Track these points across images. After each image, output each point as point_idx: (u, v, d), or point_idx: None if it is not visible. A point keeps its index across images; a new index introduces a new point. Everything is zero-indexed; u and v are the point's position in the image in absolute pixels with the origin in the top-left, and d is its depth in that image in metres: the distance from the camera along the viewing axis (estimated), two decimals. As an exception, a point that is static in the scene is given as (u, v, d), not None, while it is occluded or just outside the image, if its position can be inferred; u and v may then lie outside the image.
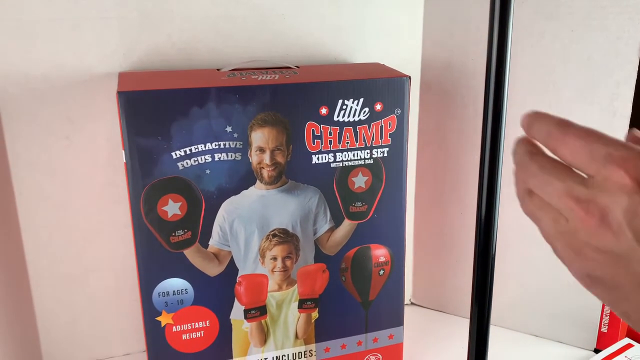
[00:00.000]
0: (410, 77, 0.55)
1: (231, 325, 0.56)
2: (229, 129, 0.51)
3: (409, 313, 0.65)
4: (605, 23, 0.57)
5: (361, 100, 0.54)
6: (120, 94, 0.48)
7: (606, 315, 0.67)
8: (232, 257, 0.54)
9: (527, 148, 0.33)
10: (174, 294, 0.53)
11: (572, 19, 0.58)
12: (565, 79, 0.60)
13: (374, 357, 0.62)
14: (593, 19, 0.57)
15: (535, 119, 0.32)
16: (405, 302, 0.63)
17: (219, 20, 0.60)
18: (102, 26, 0.57)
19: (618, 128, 0.59)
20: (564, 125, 0.31)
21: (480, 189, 0.46)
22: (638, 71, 0.57)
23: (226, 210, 0.53)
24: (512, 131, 0.65)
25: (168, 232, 0.51)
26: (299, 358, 0.59)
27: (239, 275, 0.55)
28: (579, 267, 0.32)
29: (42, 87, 0.57)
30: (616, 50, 0.57)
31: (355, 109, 0.54)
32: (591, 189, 0.30)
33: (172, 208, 0.51)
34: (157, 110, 0.49)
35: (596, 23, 0.57)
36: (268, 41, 0.63)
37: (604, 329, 0.66)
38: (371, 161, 0.56)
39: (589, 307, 0.66)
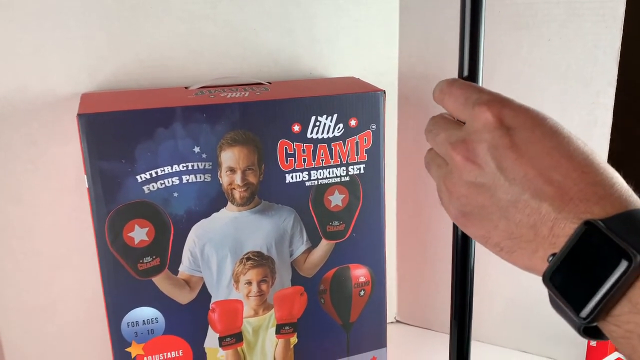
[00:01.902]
0: (384, 92, 0.54)
1: (205, 354, 0.53)
2: (197, 149, 0.49)
3: (394, 331, 0.63)
4: (582, 32, 0.56)
5: (335, 116, 0.52)
6: (81, 116, 0.46)
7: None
8: (204, 283, 0.52)
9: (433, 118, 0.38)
10: (143, 323, 0.51)
11: (549, 29, 0.57)
12: (544, 89, 0.58)
13: (357, 381, 0.59)
14: (570, 28, 0.56)
15: (437, 85, 0.38)
16: (390, 320, 0.61)
17: (188, 36, 0.59)
18: (66, 46, 0.55)
19: (599, 137, 0.58)
20: (451, 81, 0.37)
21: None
22: (617, 78, 0.56)
23: (196, 234, 0.50)
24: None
25: (135, 259, 0.49)
26: (278, 385, 0.57)
27: (212, 302, 0.52)
28: (454, 207, 0.35)
29: (4, 110, 0.55)
30: (594, 59, 0.56)
31: (329, 125, 0.53)
32: (464, 131, 0.34)
33: (139, 234, 0.49)
34: (120, 132, 0.47)
35: (573, 32, 0.56)
36: (239, 57, 0.61)
37: (593, 344, 0.65)
38: (347, 178, 0.54)
39: (577, 321, 0.64)
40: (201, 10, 0.58)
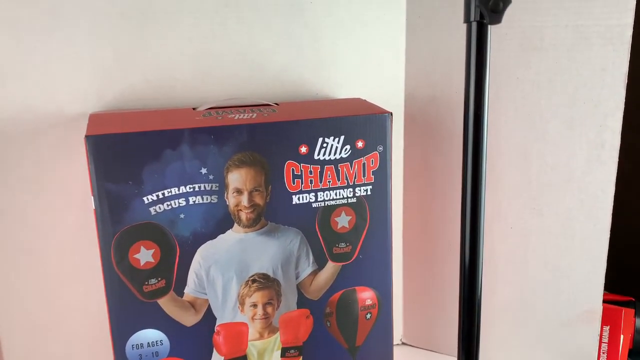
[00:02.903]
0: (391, 113, 0.54)
1: (210, 377, 0.53)
2: (204, 170, 0.49)
3: (400, 354, 0.62)
4: (589, 55, 0.56)
5: (342, 137, 0.52)
6: (88, 137, 0.46)
7: (603, 353, 0.64)
8: (209, 305, 0.51)
9: None
10: (148, 345, 0.50)
11: (557, 51, 0.57)
12: (551, 112, 0.58)
13: (363, 405, 0.59)
14: (577, 51, 0.56)
15: None
16: (396, 342, 0.60)
17: (197, 57, 0.59)
18: (74, 65, 0.55)
19: (608, 159, 0.58)
20: None
21: (462, 228, 0.44)
22: (625, 101, 0.56)
23: (202, 256, 0.50)
24: (498, 165, 0.64)
25: (141, 281, 0.49)
26: (283, 409, 0.56)
27: (217, 325, 0.52)
28: None
29: (11, 130, 0.55)
30: (602, 82, 0.56)
31: (336, 147, 0.52)
32: None
33: (145, 255, 0.48)
34: (127, 153, 0.47)
35: (581, 55, 0.56)
36: (247, 78, 0.61)
37: (603, 368, 0.64)
38: (354, 200, 0.54)
39: (585, 345, 0.63)
40: (210, 31, 0.59)
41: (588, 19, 0.55)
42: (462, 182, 0.43)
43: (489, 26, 0.34)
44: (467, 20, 0.34)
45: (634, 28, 0.54)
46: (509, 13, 0.53)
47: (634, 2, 0.53)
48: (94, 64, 0.55)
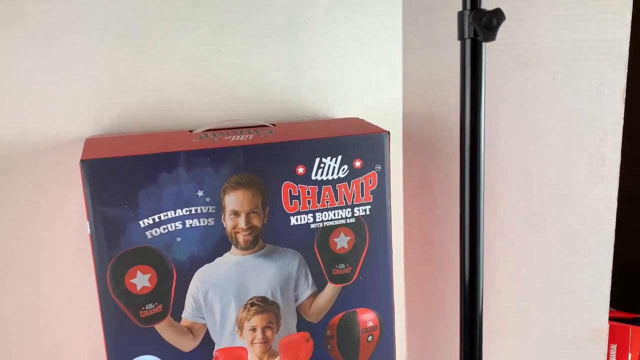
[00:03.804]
0: (388, 132, 0.54)
1: (209, 403, 0.52)
2: (200, 193, 0.48)
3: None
4: (587, 70, 0.55)
5: (339, 157, 0.52)
6: (84, 162, 0.46)
7: (612, 372, 0.63)
8: (207, 330, 0.51)
9: None
10: (145, 372, 0.49)
11: (554, 67, 0.56)
12: (550, 128, 0.58)
13: None
14: (574, 67, 0.56)
15: None
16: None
17: (194, 79, 0.59)
18: (71, 90, 0.55)
19: (608, 174, 0.57)
20: None
21: (462, 246, 0.44)
22: (624, 115, 0.55)
23: (199, 279, 0.49)
24: (499, 182, 0.63)
25: (137, 306, 0.48)
26: None
27: (215, 350, 0.51)
28: None
29: (9, 153, 0.55)
30: (600, 97, 0.55)
31: (334, 167, 0.52)
32: None
33: (141, 280, 0.48)
34: (123, 177, 0.46)
35: (578, 70, 0.56)
36: (244, 98, 0.61)
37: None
38: (353, 220, 0.53)
39: (593, 364, 0.62)
40: (207, 53, 0.59)
41: (584, 33, 0.55)
42: (460, 199, 0.42)
43: (484, 43, 0.34)
44: (461, 37, 0.34)
45: (630, 42, 0.53)
46: (505, 29, 0.52)
47: (630, 16, 0.53)
48: (91, 88, 0.55)
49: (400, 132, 0.67)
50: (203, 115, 0.60)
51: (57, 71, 0.54)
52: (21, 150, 0.55)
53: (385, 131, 0.54)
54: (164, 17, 0.57)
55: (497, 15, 0.32)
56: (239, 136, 0.52)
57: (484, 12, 0.32)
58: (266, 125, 0.57)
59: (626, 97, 0.54)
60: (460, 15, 0.34)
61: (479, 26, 0.32)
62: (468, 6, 0.33)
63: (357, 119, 0.62)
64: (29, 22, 0.53)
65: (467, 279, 0.43)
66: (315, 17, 0.62)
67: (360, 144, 0.52)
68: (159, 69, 0.57)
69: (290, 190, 0.51)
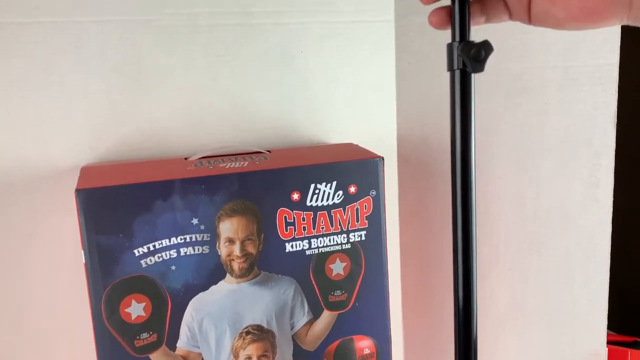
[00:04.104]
0: (383, 158, 0.54)
1: None
2: (195, 221, 0.48)
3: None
4: (579, 95, 0.56)
5: (334, 183, 0.52)
6: (79, 191, 0.46)
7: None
8: (202, 359, 0.50)
9: None
10: (140, 403, 0.49)
11: (546, 93, 0.57)
12: (543, 153, 0.58)
13: None
14: (567, 92, 0.56)
15: None
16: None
17: (189, 107, 0.59)
18: (67, 119, 0.55)
19: (603, 197, 0.57)
20: None
21: (455, 272, 0.44)
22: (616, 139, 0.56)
23: (194, 308, 0.49)
24: (494, 207, 0.63)
25: (132, 335, 0.48)
26: None
27: (210, 379, 0.51)
28: None
29: (3, 182, 0.55)
30: (593, 121, 0.56)
31: (329, 193, 0.52)
32: None
33: (136, 309, 0.47)
34: (118, 206, 0.46)
35: (570, 95, 0.56)
36: (239, 125, 0.61)
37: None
38: (348, 246, 0.53)
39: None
40: (202, 81, 0.59)
41: (575, 59, 0.56)
42: (452, 226, 0.42)
43: (473, 74, 0.34)
44: (450, 68, 0.34)
45: (619, 67, 0.54)
46: (496, 55, 0.53)
47: (619, 42, 0.54)
48: (87, 117, 0.56)
49: (395, 156, 0.68)
50: (199, 142, 0.60)
51: (53, 100, 0.55)
52: (16, 179, 0.55)
53: (379, 156, 0.54)
54: (159, 46, 0.57)
55: (485, 47, 0.33)
56: (234, 163, 0.52)
57: (472, 44, 0.33)
58: (261, 152, 0.57)
59: (617, 123, 0.55)
60: (450, 47, 0.34)
61: (468, 58, 0.33)
62: (457, 38, 0.34)
63: (351, 144, 0.62)
64: (26, 53, 0.53)
65: (461, 304, 0.43)
66: (309, 45, 0.62)
67: (355, 169, 0.53)
68: (154, 97, 0.58)
69: (285, 217, 0.51)
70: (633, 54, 0.57)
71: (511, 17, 0.38)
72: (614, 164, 0.56)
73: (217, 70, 0.60)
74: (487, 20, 0.38)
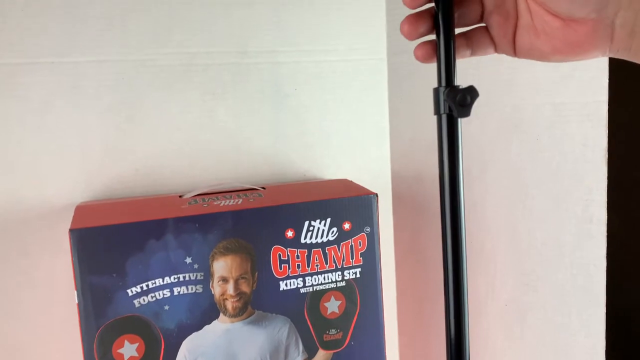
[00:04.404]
0: (377, 195, 0.54)
1: None
2: (188, 260, 0.48)
3: None
4: (569, 131, 0.57)
5: (328, 220, 0.52)
6: (73, 231, 0.46)
7: None
8: (195, 400, 0.49)
9: None
10: None
11: (537, 128, 0.58)
12: (536, 188, 0.59)
13: None
14: (557, 128, 0.57)
15: None
16: None
17: (185, 144, 0.60)
18: (63, 158, 0.56)
19: (597, 233, 0.57)
20: None
21: (447, 309, 0.43)
22: (607, 175, 0.56)
23: (188, 348, 0.49)
24: (488, 243, 0.63)
25: (124, 377, 0.47)
26: None
27: (203, 421, 0.50)
28: None
29: (-2, 222, 0.55)
30: (584, 157, 0.56)
31: (323, 230, 0.52)
32: None
33: (129, 350, 0.47)
34: (111, 246, 0.46)
35: (560, 131, 0.57)
36: (234, 162, 0.62)
37: None
38: (343, 283, 0.53)
39: None
40: (197, 119, 0.60)
41: (564, 96, 0.56)
42: (443, 266, 0.42)
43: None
44: (437, 112, 0.35)
45: (608, 104, 0.55)
46: (487, 90, 0.54)
47: (607, 79, 0.55)
48: (82, 156, 0.56)
49: (390, 192, 0.68)
50: (194, 179, 0.60)
51: (49, 140, 0.55)
52: (11, 217, 0.55)
53: (373, 193, 0.54)
54: (156, 85, 0.58)
55: (471, 93, 0.33)
56: (228, 201, 0.52)
57: (457, 89, 0.34)
58: (255, 189, 0.58)
59: (608, 159, 0.55)
60: (436, 91, 0.35)
61: (453, 103, 0.34)
62: (443, 83, 0.34)
63: (345, 180, 0.62)
64: (23, 93, 0.54)
65: (453, 342, 0.42)
66: (304, 82, 0.63)
67: (349, 206, 0.53)
68: (149, 136, 0.58)
69: (279, 255, 0.51)
70: (623, 91, 0.58)
71: (496, 49, 0.39)
72: (606, 200, 0.56)
73: (213, 108, 0.60)
74: (473, 54, 0.39)
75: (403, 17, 0.37)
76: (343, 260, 0.53)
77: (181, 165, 0.60)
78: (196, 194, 0.55)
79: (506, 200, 0.60)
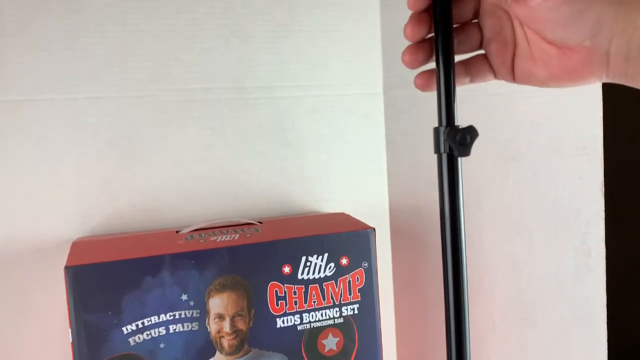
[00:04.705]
0: (374, 229, 0.54)
1: None
2: (184, 297, 0.48)
3: None
4: (566, 165, 0.57)
5: (326, 255, 0.52)
6: (68, 269, 0.45)
7: None
8: None
9: None
10: None
11: (534, 162, 0.58)
12: (534, 220, 0.59)
13: None
14: (554, 162, 0.57)
15: None
16: None
17: (182, 179, 0.60)
18: (60, 194, 0.56)
19: (595, 267, 0.57)
20: None
21: (448, 345, 0.43)
22: (605, 207, 0.56)
23: (183, 388, 0.48)
24: (487, 276, 0.63)
25: (117, 418, 0.46)
26: None
27: None
28: None
29: (-7, 258, 0.54)
30: (580, 190, 0.57)
31: (320, 265, 0.52)
32: None
33: (123, 390, 0.46)
34: (107, 283, 0.46)
35: (557, 165, 0.57)
36: (232, 196, 0.62)
37: None
38: (341, 320, 0.53)
39: None
40: (196, 154, 0.60)
41: (560, 131, 0.57)
42: (444, 304, 0.42)
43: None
44: (437, 151, 0.35)
45: (604, 138, 0.55)
46: (486, 125, 0.54)
47: (601, 114, 0.56)
48: (79, 192, 0.56)
49: (388, 225, 0.68)
50: (191, 214, 0.60)
51: (46, 176, 0.55)
52: (7, 253, 0.55)
53: (370, 227, 0.54)
54: (154, 121, 0.59)
55: (471, 132, 0.34)
56: (225, 236, 0.52)
57: (457, 129, 0.34)
58: (253, 223, 0.58)
59: (605, 192, 0.55)
60: (436, 131, 0.35)
61: (454, 143, 0.34)
62: (443, 123, 0.35)
63: (343, 214, 0.62)
64: (21, 129, 0.54)
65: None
66: (301, 117, 0.64)
67: (346, 241, 0.53)
68: (147, 171, 0.59)
69: (276, 291, 0.50)
70: (618, 125, 0.58)
71: (496, 76, 0.39)
72: (604, 233, 0.56)
73: (211, 143, 0.61)
74: (472, 81, 0.39)
75: (399, 52, 0.38)
76: (341, 296, 0.53)
77: (179, 199, 0.60)
78: (193, 229, 0.55)
79: (504, 234, 0.60)
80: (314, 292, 0.52)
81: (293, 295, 0.51)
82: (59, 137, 0.56)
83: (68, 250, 0.53)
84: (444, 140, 0.34)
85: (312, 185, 0.65)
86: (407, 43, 0.37)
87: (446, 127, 0.35)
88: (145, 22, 0.58)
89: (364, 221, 0.57)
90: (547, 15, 0.33)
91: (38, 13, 0.54)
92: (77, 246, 0.52)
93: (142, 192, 0.58)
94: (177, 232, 0.55)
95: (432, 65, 0.38)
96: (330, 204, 0.66)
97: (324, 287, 0.52)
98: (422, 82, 0.38)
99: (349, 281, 0.53)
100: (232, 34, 0.61)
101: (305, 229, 0.55)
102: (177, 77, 0.59)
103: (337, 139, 0.66)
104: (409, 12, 0.37)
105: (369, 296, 0.53)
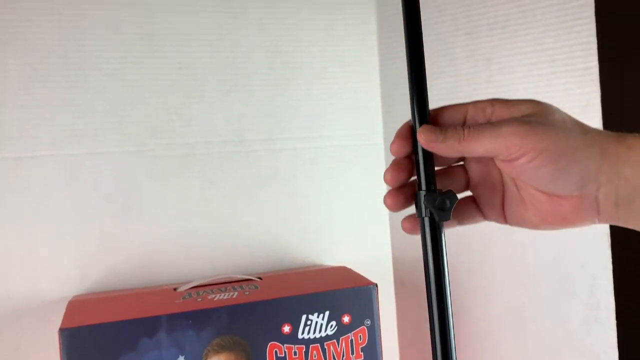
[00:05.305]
0: (376, 285, 0.53)
1: None
2: (181, 358, 0.47)
3: None
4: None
5: (327, 313, 0.51)
6: (62, 331, 0.44)
7: None
8: None
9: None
10: None
11: (535, 213, 0.57)
12: (540, 272, 0.57)
13: None
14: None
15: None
16: None
17: (181, 233, 0.59)
18: (57, 251, 0.55)
19: (605, 320, 0.55)
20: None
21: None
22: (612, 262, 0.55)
23: None
24: (493, 330, 0.61)
25: None
26: None
27: None
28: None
29: (-11, 317, 0.53)
30: (586, 242, 0.55)
31: (321, 324, 0.51)
32: None
33: None
34: (103, 345, 0.45)
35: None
36: (231, 250, 0.61)
37: None
38: (343, 380, 0.51)
39: None
40: (194, 208, 0.60)
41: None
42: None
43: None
44: (419, 216, 0.35)
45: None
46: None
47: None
48: (77, 248, 0.56)
49: (392, 277, 0.66)
50: (190, 269, 0.59)
51: (44, 232, 0.55)
52: (2, 312, 0.54)
53: (373, 283, 0.53)
54: (153, 175, 0.58)
55: (450, 197, 0.33)
56: (223, 294, 0.51)
57: (436, 194, 0.34)
58: (252, 279, 0.56)
59: (612, 242, 0.54)
60: (416, 196, 0.35)
61: (433, 207, 0.34)
62: (423, 187, 0.34)
63: (344, 268, 0.61)
64: (20, 186, 0.54)
65: None
66: (301, 168, 0.64)
67: (348, 298, 0.51)
68: (146, 225, 0.58)
69: (275, 352, 0.49)
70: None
71: (485, 218, 0.39)
72: (613, 285, 0.55)
73: (210, 196, 0.60)
74: (460, 223, 0.38)
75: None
76: (343, 355, 0.51)
77: (177, 254, 0.59)
78: (191, 286, 0.54)
79: (510, 285, 0.59)
80: (315, 352, 0.50)
81: (293, 356, 0.49)
82: (58, 193, 0.55)
83: (64, 308, 0.52)
84: (424, 205, 0.34)
85: (312, 237, 0.64)
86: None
87: (426, 191, 0.34)
88: (145, 77, 0.58)
89: (366, 274, 0.56)
90: (533, 173, 0.33)
91: (39, 69, 0.55)
92: (73, 305, 0.51)
93: (141, 247, 0.58)
94: (175, 289, 0.54)
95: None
96: (331, 256, 0.65)
97: (326, 347, 0.50)
98: (409, 226, 0.37)
99: (352, 340, 0.51)
100: (233, 88, 0.62)
101: (306, 285, 0.54)
102: (176, 131, 0.59)
103: (337, 190, 0.65)
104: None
105: (372, 355, 0.52)
